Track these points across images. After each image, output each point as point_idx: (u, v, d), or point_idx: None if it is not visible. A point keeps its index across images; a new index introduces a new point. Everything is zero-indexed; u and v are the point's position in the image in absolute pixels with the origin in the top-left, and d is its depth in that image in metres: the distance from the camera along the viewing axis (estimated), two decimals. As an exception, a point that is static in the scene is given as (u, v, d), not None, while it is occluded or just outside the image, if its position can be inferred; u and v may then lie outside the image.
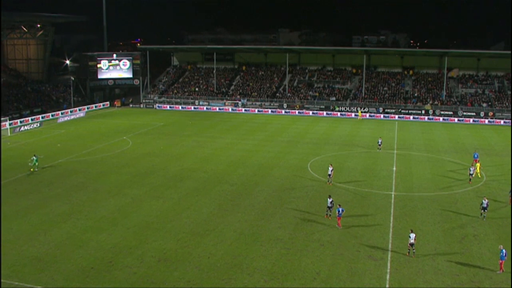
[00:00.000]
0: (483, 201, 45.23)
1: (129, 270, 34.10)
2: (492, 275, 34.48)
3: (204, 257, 36.25)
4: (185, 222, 43.32)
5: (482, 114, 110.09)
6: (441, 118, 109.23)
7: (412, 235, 36.76)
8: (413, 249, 36.82)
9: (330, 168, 55.81)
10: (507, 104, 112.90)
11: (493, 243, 39.99)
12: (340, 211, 42.03)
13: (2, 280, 32.23)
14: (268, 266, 35.00)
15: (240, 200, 49.66)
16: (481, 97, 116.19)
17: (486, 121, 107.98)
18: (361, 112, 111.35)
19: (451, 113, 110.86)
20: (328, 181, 55.70)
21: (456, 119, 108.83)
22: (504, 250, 34.76)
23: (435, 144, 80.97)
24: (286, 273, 34.08)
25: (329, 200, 44.22)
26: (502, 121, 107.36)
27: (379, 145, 73.15)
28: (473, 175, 57.11)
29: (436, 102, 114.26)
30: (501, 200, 50.67)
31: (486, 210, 44.96)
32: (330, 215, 44.14)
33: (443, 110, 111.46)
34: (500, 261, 34.83)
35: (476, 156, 65.01)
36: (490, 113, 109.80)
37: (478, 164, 59.55)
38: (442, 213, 46.63)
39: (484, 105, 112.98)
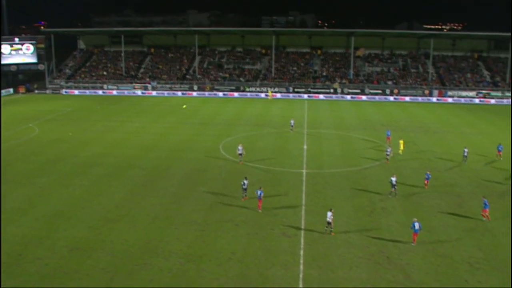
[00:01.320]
0: (392, 178, 46.84)
1: (40, 262, 33.12)
2: (400, 246, 36.15)
3: (117, 244, 35.78)
4: (97, 209, 42.50)
5: (387, 91, 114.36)
6: (349, 96, 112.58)
7: (329, 214, 37.57)
8: (331, 228, 37.68)
9: (240, 148, 56.45)
10: (410, 81, 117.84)
11: (400, 215, 41.94)
12: (259, 193, 42.38)
13: None
14: (184, 249, 35.04)
15: (153, 184, 49.24)
16: (386, 75, 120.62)
17: (392, 98, 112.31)
18: (271, 92, 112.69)
19: (358, 91, 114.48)
20: (239, 160, 56.32)
21: (363, 96, 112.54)
22: (416, 223, 36.13)
23: (344, 121, 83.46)
24: (201, 254, 34.25)
25: (245, 182, 44.61)
26: (406, 98, 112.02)
27: (292, 126, 74.26)
28: (390, 155, 57.76)
29: (344, 81, 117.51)
30: (407, 174, 52.99)
31: (395, 188, 46.62)
32: (245, 196, 44.56)
33: (351, 89, 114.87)
34: (414, 234, 36.21)
35: (388, 134, 67.47)
36: (395, 91, 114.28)
37: (401, 141, 61.72)
38: (352, 189, 48.28)
39: (390, 82, 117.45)
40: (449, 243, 36.81)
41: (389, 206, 44.03)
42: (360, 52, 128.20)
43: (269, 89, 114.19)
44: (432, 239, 37.15)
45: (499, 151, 61.39)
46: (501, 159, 60.49)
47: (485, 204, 41.74)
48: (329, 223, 37.51)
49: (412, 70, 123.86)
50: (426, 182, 48.46)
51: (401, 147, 61.08)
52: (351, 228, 38.95)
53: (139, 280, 30.84)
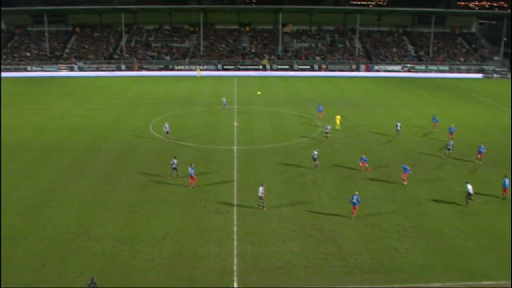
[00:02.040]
0: (314, 152, 47.85)
1: (-35, 251, 32.10)
2: (331, 218, 37.15)
3: (48, 229, 35.03)
4: (26, 195, 41.31)
5: (316, 67, 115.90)
6: (278, 72, 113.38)
7: (261, 189, 37.98)
8: (262, 202, 38.19)
9: (167, 126, 56.36)
10: (338, 56, 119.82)
11: (331, 188, 43.02)
12: (190, 170, 42.46)
13: None
14: (117, 231, 34.74)
15: (83, 166, 48.29)
16: (314, 51, 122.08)
17: (320, 73, 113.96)
18: (200, 69, 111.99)
19: (287, 67, 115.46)
20: (166, 138, 56.14)
21: (292, 72, 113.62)
22: (355, 197, 36.91)
23: (274, 97, 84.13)
24: (135, 235, 34.08)
25: (175, 161, 44.41)
26: (334, 73, 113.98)
27: (224, 104, 73.77)
28: (329, 133, 57.82)
29: (272, 57, 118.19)
30: (338, 149, 54.15)
31: (317, 161, 47.56)
32: (172, 174, 44.37)
33: (279, 65, 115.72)
34: (353, 207, 37.01)
35: (320, 109, 68.42)
36: (324, 66, 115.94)
37: (338, 117, 62.52)
38: (283, 164, 49.00)
39: (318, 58, 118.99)
40: (378, 213, 38.09)
41: (320, 179, 45.01)
42: (288, 28, 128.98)
43: (197, 66, 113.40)
44: (362, 211, 38.25)
45: (435, 122, 63.87)
46: (436, 130, 63.00)
47: (404, 169, 44.02)
48: (261, 198, 38.02)
49: (340, 46, 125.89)
50: (361, 164, 47.69)
51: (338, 122, 62.12)
52: (283, 203, 39.65)
53: (72, 265, 30.42)
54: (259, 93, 60.12)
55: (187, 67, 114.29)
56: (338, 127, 61.76)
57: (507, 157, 52.29)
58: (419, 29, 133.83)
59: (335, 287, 28.67)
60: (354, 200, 36.78)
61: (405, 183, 44.34)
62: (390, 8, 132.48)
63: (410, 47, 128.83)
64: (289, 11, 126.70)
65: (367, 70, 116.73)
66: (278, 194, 41.25)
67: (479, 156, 50.33)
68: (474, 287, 29.04)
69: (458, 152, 52.97)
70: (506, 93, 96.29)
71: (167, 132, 56.18)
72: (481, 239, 34.66)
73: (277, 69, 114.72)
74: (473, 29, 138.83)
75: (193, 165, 43.17)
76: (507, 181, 41.92)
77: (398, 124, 60.23)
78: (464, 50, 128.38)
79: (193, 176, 42.49)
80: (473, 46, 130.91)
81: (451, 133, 58.35)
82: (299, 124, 65.30)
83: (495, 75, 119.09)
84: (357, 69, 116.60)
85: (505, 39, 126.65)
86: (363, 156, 47.95)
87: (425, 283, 29.30)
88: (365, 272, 30.17)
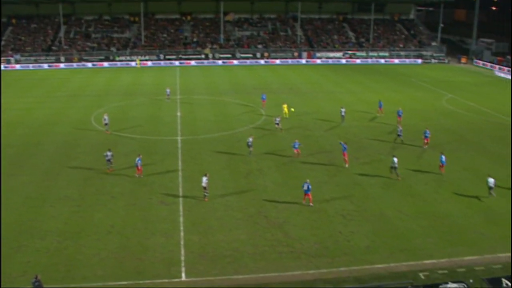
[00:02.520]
0: (249, 139, 48.39)
1: None
2: (277, 205, 37.51)
3: (-13, 227, 34.08)
4: (-39, 192, 40.02)
5: (258, 55, 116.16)
6: (220, 61, 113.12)
7: (204, 179, 37.79)
8: (206, 192, 38.01)
9: (106, 117, 55.86)
10: (280, 44, 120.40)
11: (276, 175, 43.39)
12: (137, 160, 42.32)
13: None
14: (60, 226, 34.09)
15: (23, 162, 47.03)
16: (256, 39, 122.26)
17: (262, 61, 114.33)
18: (140, 60, 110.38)
19: (229, 55, 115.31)
20: (105, 130, 55.58)
21: (234, 61, 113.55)
22: (306, 184, 37.05)
23: (217, 86, 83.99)
24: (79, 230, 33.51)
25: (108, 154, 43.74)
26: (277, 61, 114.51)
27: (168, 95, 72.88)
28: (280, 124, 57.39)
29: (215, 46, 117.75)
30: (279, 134, 54.54)
31: (251, 147, 48.03)
32: (109, 167, 43.90)
33: (222, 54, 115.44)
34: (305, 194, 37.23)
35: (264, 97, 68.64)
36: (266, 54, 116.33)
37: (285, 106, 62.39)
38: (227, 152, 49.06)
39: (260, 46, 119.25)
40: (323, 198, 38.66)
41: (265, 167, 45.32)
42: (229, 17, 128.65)
43: (137, 57, 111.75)
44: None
45: (380, 107, 65.17)
46: (382, 114, 64.28)
47: (343, 147, 45.70)
48: (204, 188, 37.95)
49: (281, 33, 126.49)
50: (296, 151, 48.14)
51: (285, 110, 62.04)
52: (229, 191, 39.76)
53: (15, 263, 29.67)
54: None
55: (128, 58, 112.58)
56: (286, 115, 61.87)
57: (448, 140, 53.87)
58: (360, 16, 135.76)
59: (282, 273, 29.03)
60: (305, 188, 37.04)
61: (347, 165, 45.42)
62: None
63: (351, 34, 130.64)
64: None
65: (309, 57, 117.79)
66: (223, 183, 41.32)
67: (425, 141, 51.63)
68: (416, 267, 29.95)
69: (405, 138, 54.20)
70: (444, 77, 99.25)
71: (106, 124, 55.57)
72: (422, 219, 35.72)
73: (220, 58, 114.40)
74: (412, 16, 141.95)
75: (140, 156, 42.99)
76: (443, 157, 43.97)
77: (343, 110, 61.17)
78: (403, 36, 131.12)
79: (140, 166, 42.21)
80: (412, 32, 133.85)
81: (399, 116, 59.88)
82: (242, 112, 65.44)
83: (433, 60, 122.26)
84: (299, 57, 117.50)
85: (442, 25, 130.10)
86: (296, 141, 48.55)
87: (370, 264, 29.99)
88: (312, 257, 30.66)
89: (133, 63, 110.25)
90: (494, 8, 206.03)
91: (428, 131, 51.71)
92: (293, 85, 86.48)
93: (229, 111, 66.38)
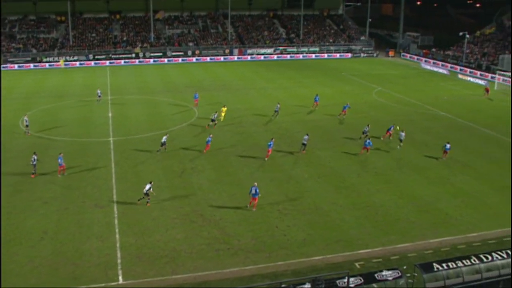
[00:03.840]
0: (164, 137, 48.49)
1: None
2: (212, 202, 37.52)
3: None
4: None
5: (189, 53, 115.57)
6: (151, 60, 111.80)
7: (148, 186, 37.01)
8: (148, 198, 37.17)
9: (26, 119, 54.78)
10: (211, 41, 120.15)
11: (210, 172, 43.41)
12: (59, 159, 41.85)
13: None
14: (-12, 235, 32.97)
15: None
16: (187, 37, 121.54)
17: (194, 59, 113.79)
18: (63, 61, 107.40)
19: (160, 54, 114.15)
20: (26, 132, 54.45)
21: (166, 59, 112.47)
22: (253, 188, 36.58)
23: (148, 85, 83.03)
24: (10, 238, 32.41)
25: (35, 157, 42.59)
26: (208, 58, 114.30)
27: (99, 96, 71.24)
28: (216, 120, 57.65)
29: (145, 45, 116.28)
30: (212, 132, 54.42)
31: (162, 147, 48.10)
32: (35, 172, 42.79)
33: (153, 52, 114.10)
34: (252, 198, 36.70)
35: (196, 96, 68.22)
36: (197, 51, 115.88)
37: (224, 109, 60.86)
38: (161, 152, 48.64)
39: (191, 44, 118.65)
40: (262, 193, 38.83)
41: (199, 165, 45.24)
42: (159, 15, 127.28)
43: (61, 58, 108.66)
44: (242, 192, 39.01)
45: (316, 101, 66.27)
46: (317, 108, 65.55)
47: (270, 144, 46.55)
48: (146, 194, 37.10)
49: (212, 31, 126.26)
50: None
51: (223, 114, 60.38)
52: (164, 191, 39.46)
53: None
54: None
55: (56, 59, 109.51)
56: (221, 118, 59.96)
57: (380, 133, 55.15)
58: (289, 12, 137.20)
59: (220, 271, 29.11)
60: (253, 192, 36.53)
61: (266, 159, 46.49)
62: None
63: (281, 30, 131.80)
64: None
65: (240, 54, 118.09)
66: (158, 182, 40.88)
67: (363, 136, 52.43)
68: (352, 257, 30.67)
69: (333, 130, 55.29)
70: (373, 70, 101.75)
71: (27, 126, 54.47)
72: (356, 210, 36.62)
73: (150, 57, 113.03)
74: (340, 11, 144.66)
75: (61, 154, 42.54)
76: (448, 145, 47.79)
77: (278, 105, 62.08)
78: (332, 31, 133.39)
79: (62, 164, 41.90)
80: (341, 27, 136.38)
81: (344, 110, 61.95)
82: (175, 111, 64.98)
83: (362, 54, 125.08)
84: (230, 54, 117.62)
85: (369, 20, 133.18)
86: (210, 136, 49.14)
87: (306, 257, 30.50)
88: (249, 253, 30.87)
89: (59, 64, 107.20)
90: (418, 3, 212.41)
91: (367, 128, 52.82)
92: (225, 82, 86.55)
93: (161, 110, 65.79)
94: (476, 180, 42.88)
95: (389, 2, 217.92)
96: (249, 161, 46.52)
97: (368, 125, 53.36)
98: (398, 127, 53.69)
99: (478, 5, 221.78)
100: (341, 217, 35.67)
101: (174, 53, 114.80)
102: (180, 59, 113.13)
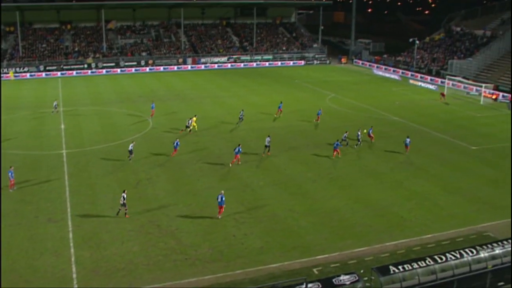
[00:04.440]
0: (130, 145, 48.63)
1: None
2: (168, 213, 37.23)
3: None
4: None
5: (142, 62, 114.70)
6: (104, 70, 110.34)
7: (123, 195, 36.46)
8: (125, 209, 36.67)
9: None
10: (164, 51, 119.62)
11: (165, 183, 43.12)
12: (10, 174, 40.85)
13: None
14: None
15: None
16: (140, 47, 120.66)
17: (147, 69, 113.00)
18: (13, 72, 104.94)
19: (113, 64, 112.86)
20: None
21: (118, 69, 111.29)
22: (220, 196, 36.49)
23: (101, 96, 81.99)
24: (-42, 256, 31.53)
25: None
26: (161, 68, 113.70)
27: (55, 108, 69.89)
28: (191, 128, 58.56)
29: (97, 55, 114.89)
30: (165, 141, 54.04)
31: (132, 154, 48.35)
32: None
33: (105, 62, 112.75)
34: (219, 207, 36.64)
35: (153, 106, 67.46)
36: (150, 61, 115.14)
37: (194, 118, 60.32)
38: (116, 163, 48.07)
39: (144, 54, 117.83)
40: (214, 203, 38.66)
41: (154, 175, 44.87)
42: (111, 25, 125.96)
43: (10, 69, 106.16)
44: (197, 203, 38.93)
45: (279, 108, 67.19)
46: (281, 115, 66.48)
47: (238, 150, 46.99)
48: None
49: (165, 40, 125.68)
50: (174, 151, 50.06)
51: (194, 123, 60.11)
52: (119, 203, 38.75)
53: None
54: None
55: (5, 71, 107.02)
56: (195, 129, 59.58)
57: (336, 138, 55.82)
58: (242, 21, 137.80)
59: (178, 282, 28.88)
60: (219, 200, 36.44)
61: (231, 165, 47.03)
62: (213, 1, 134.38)
63: (234, 38, 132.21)
64: (111, 7, 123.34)
65: (194, 63, 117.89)
66: (113, 195, 40.33)
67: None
68: (309, 263, 30.85)
69: (288, 137, 55.65)
70: (326, 77, 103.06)
71: None
72: (313, 216, 36.91)
73: (103, 67, 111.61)
74: (293, 19, 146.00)
75: (12, 168, 41.47)
76: (408, 140, 51.55)
77: (241, 112, 63.06)
78: (285, 39, 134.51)
79: (12, 179, 41.04)
80: (294, 35, 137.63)
81: (318, 115, 63.47)
82: (129, 122, 64.32)
83: (315, 62, 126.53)
84: (184, 63, 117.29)
85: (322, 27, 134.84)
86: (177, 140, 49.44)
87: (264, 265, 30.53)
88: (207, 262, 30.73)
89: (8, 76, 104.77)
90: (370, 10, 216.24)
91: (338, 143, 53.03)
92: (179, 92, 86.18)
93: (115, 121, 65.04)
94: (429, 183, 43.84)
95: (340, 10, 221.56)
96: (205, 170, 46.39)
97: (346, 132, 54.81)
98: (365, 130, 54.75)
99: (427, 12, 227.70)
100: (298, 224, 35.90)
101: (127, 63, 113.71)
102: (133, 69, 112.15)
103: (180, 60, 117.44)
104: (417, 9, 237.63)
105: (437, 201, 40.04)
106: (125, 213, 36.79)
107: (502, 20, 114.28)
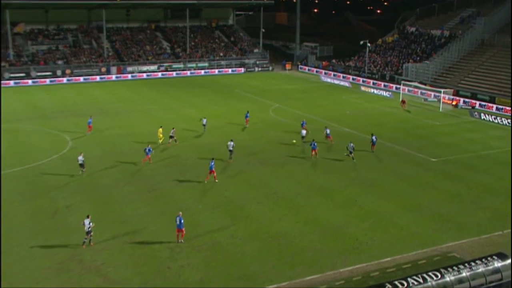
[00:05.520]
0: (79, 157, 48.82)
1: None
2: (92, 246, 36.38)
3: None
4: None
5: (59, 72, 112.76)
6: (11, 82, 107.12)
7: (87, 221, 36.19)
8: (90, 237, 36.36)
9: None
10: (84, 59, 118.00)
11: (89, 210, 42.17)
12: None
13: None
14: None
15: None
16: (55, 54, 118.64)
17: (64, 79, 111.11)
18: None
19: (23, 74, 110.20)
20: None
21: (30, 81, 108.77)
22: (178, 218, 36.53)
23: (9, 112, 79.52)
24: None
25: None
26: (81, 78, 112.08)
27: None
28: (162, 141, 60.26)
29: (3, 64, 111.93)
30: (90, 159, 53.34)
31: (83, 168, 48.80)
32: None
33: (13, 73, 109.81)
34: (179, 229, 36.56)
35: (90, 121, 66.67)
36: (68, 71, 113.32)
37: (160, 129, 60.95)
38: (29, 189, 46.93)
39: (60, 62, 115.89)
40: (146, 231, 38.43)
41: (75, 202, 43.96)
42: (19, 28, 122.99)
43: None
44: (128, 230, 38.48)
45: (246, 118, 69.67)
46: (247, 126, 68.85)
47: (211, 166, 47.77)
48: (88, 232, 36.15)
49: (85, 46, 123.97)
50: (146, 157, 52.87)
51: (160, 135, 60.68)
52: (34, 236, 37.89)
53: None
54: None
55: None
56: (160, 140, 60.64)
57: (279, 154, 56.33)
58: (173, 24, 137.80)
59: (105, 323, 28.41)
60: (178, 222, 36.50)
61: (206, 181, 47.04)
62: (139, 1, 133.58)
63: (165, 43, 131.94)
64: (18, 6, 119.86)
65: (119, 72, 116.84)
66: (28, 228, 39.30)
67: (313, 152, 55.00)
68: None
69: (226, 154, 55.69)
70: (269, 86, 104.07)
71: None
72: (258, 242, 36.99)
73: (10, 78, 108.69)
74: (230, 21, 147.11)
75: None
76: (374, 138, 57.10)
77: (204, 119, 65.79)
78: (223, 44, 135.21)
79: None
80: (232, 39, 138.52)
81: (302, 126, 64.64)
82: (43, 141, 62.95)
83: (256, 69, 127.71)
84: (108, 72, 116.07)
85: (263, 30, 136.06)
86: (149, 146, 50.98)
87: (204, 300, 30.43)
88: (138, 300, 30.38)
89: None
90: (316, 10, 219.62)
91: (315, 143, 55.29)
92: (103, 105, 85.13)
93: (25, 140, 63.49)
94: (385, 200, 44.72)
95: (283, 10, 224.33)
96: (134, 195, 45.86)
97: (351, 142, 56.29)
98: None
99: (379, 11, 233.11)
100: (241, 251, 35.89)
101: (40, 73, 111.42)
102: (47, 80, 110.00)
103: (103, 69, 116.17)
104: (368, 8, 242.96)
105: (395, 220, 40.85)
106: (90, 241, 36.49)
107: (461, 18, 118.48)
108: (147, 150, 53.12)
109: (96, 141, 62.11)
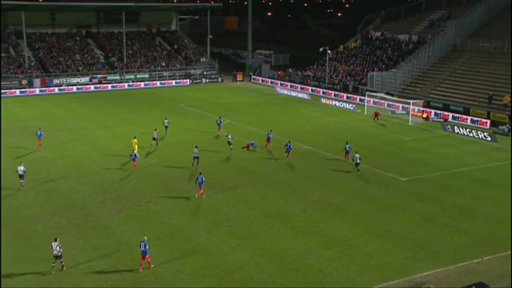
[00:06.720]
0: (19, 167, 49.93)
1: None
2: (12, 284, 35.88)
3: None
4: None
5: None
6: None
7: (54, 244, 36.31)
8: (61, 261, 36.49)
9: None
10: (1, 70, 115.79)
11: (6, 248, 41.36)
12: None
13: None
14: None
15: None
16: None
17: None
18: None
19: None
20: None
21: None
22: (145, 244, 36.82)
23: None
24: None
25: None
26: None
27: None
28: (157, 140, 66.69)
29: None
30: (8, 188, 52.46)
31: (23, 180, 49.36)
32: None
33: None
34: (144, 256, 36.84)
35: (40, 135, 67.13)
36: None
37: (135, 140, 62.41)
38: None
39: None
40: (79, 268, 37.76)
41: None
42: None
43: None
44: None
45: (219, 125, 73.82)
46: (219, 132, 71.48)
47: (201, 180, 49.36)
48: (57, 256, 36.30)
49: (2, 55, 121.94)
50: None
51: (135, 146, 61.78)
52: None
53: None
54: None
55: None
56: (135, 150, 60.99)
57: (232, 176, 56.32)
58: (107, 30, 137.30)
59: None
60: (142, 248, 36.90)
61: (196, 196, 49.12)
62: (66, 3, 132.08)
63: (98, 52, 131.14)
64: None
65: (44, 85, 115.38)
66: None
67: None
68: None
69: (168, 177, 55.44)
70: (218, 99, 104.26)
71: None
72: (207, 277, 36.72)
73: None
74: (174, 27, 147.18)
75: None
76: (348, 145, 61.23)
77: (166, 120, 71.84)
78: (165, 52, 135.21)
79: None
80: (176, 46, 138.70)
81: (269, 140, 67.55)
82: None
83: (204, 80, 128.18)
84: (30, 86, 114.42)
85: (210, 36, 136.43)
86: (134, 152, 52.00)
87: None
88: None
89: None
90: (269, 14, 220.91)
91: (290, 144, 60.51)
92: (25, 124, 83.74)
93: None
94: (351, 225, 44.98)
95: (234, 14, 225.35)
96: (64, 227, 45.04)
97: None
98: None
99: (340, 14, 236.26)
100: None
101: None
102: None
103: (24, 82, 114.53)
104: (328, 11, 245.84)
105: (362, 247, 41.10)
106: (62, 266, 36.70)
107: (430, 22, 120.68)
108: (133, 155, 58.39)
109: (17, 165, 61.08)
